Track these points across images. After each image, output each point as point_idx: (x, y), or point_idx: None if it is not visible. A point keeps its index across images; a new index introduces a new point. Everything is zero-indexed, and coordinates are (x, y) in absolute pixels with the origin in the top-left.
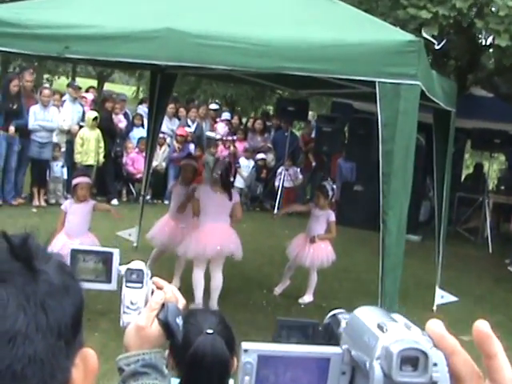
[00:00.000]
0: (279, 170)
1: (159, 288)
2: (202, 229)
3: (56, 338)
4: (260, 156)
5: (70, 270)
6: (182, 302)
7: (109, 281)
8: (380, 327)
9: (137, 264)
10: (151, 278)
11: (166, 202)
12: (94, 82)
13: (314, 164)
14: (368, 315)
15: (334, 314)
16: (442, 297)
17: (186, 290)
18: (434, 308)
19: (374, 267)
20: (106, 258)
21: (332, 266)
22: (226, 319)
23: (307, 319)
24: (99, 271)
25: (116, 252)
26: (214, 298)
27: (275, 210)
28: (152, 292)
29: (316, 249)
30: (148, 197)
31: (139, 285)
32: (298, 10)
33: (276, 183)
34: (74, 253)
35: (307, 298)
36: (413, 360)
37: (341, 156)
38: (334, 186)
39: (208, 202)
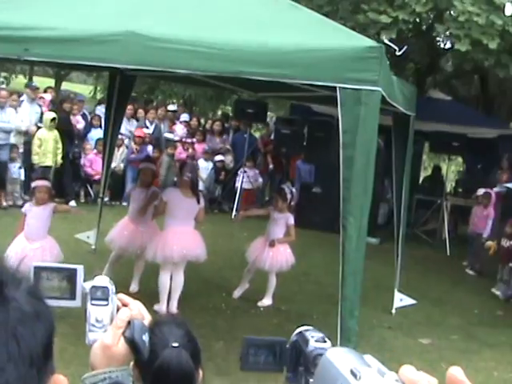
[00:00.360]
0: (238, 172)
1: (124, 305)
2: (169, 232)
3: (28, 367)
4: (219, 158)
5: (41, 295)
6: (147, 319)
7: (73, 298)
8: (353, 374)
9: (101, 281)
10: (116, 294)
11: (125, 203)
12: (52, 81)
13: (271, 166)
14: (341, 359)
15: (301, 332)
16: (400, 300)
17: (147, 293)
18: (393, 311)
19: (334, 270)
20: (70, 275)
21: (291, 269)
22: (191, 331)
23: (274, 337)
24: (63, 288)
25: (80, 268)
26: (174, 298)
27: (234, 212)
28: (117, 309)
29: (275, 252)
30: (106, 198)
31: (104, 302)
32: (260, 14)
33: (236, 185)
34: (38, 270)
35: (266, 301)
36: None
37: (300, 158)
38: (293, 189)
39: (177, 205)
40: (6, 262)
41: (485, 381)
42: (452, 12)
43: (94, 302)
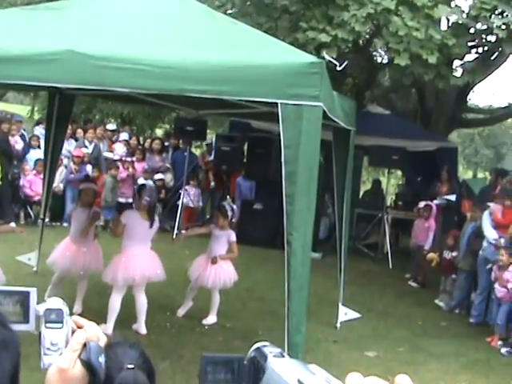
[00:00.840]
0: (179, 190)
1: (79, 327)
2: (129, 254)
3: None
4: (158, 176)
5: (6, 321)
6: (103, 340)
7: (27, 321)
8: (301, 383)
9: (55, 303)
10: (70, 316)
11: (65, 224)
12: None
13: (212, 184)
14: (287, 370)
15: (258, 348)
16: (345, 314)
17: (91, 313)
18: (338, 325)
19: (278, 286)
20: (23, 298)
21: (235, 286)
22: (144, 352)
23: (232, 354)
24: (17, 313)
25: (33, 291)
26: (141, 320)
27: (175, 231)
28: (72, 331)
29: (217, 269)
30: (47, 219)
31: (59, 325)
32: (200, 31)
33: (176, 203)
34: None
35: (211, 318)
36: None
37: (240, 175)
38: (234, 206)
39: (136, 228)
40: None
41: None
42: (390, 28)
43: (48, 324)
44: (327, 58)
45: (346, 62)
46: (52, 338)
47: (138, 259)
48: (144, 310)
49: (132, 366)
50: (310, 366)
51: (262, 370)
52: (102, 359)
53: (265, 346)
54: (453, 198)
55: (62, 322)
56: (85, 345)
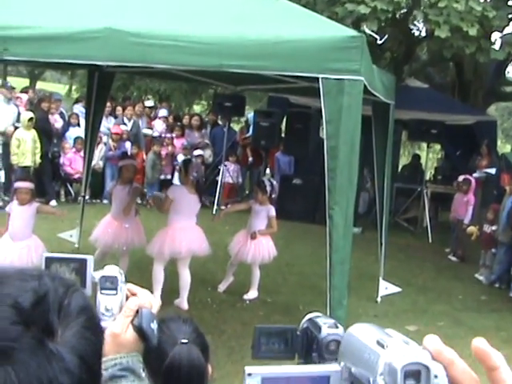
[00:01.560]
0: (218, 166)
1: (133, 294)
2: (176, 228)
3: None
4: (197, 152)
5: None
6: (156, 307)
7: (83, 287)
8: (380, 344)
9: (111, 270)
10: (125, 283)
11: (105, 201)
12: (26, 81)
13: (250, 159)
14: (364, 333)
15: (311, 318)
16: (385, 288)
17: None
18: (378, 299)
19: (317, 260)
20: (81, 265)
21: (275, 261)
22: (198, 327)
23: (285, 325)
24: (74, 278)
25: (90, 259)
26: (183, 295)
27: (215, 207)
28: (126, 298)
29: (257, 244)
30: (87, 197)
31: (114, 291)
32: (239, 6)
33: (216, 179)
34: (49, 261)
35: (252, 294)
36: (415, 374)
37: (279, 150)
38: (274, 182)
39: (183, 202)
40: (51, 294)
41: (472, 366)
42: None
43: (103, 291)
44: (367, 31)
45: (386, 36)
46: (106, 304)
47: (185, 233)
48: (187, 286)
49: (186, 341)
50: (387, 330)
51: (315, 340)
52: (154, 325)
53: (318, 316)
54: (492, 171)
55: (116, 289)
56: (137, 311)
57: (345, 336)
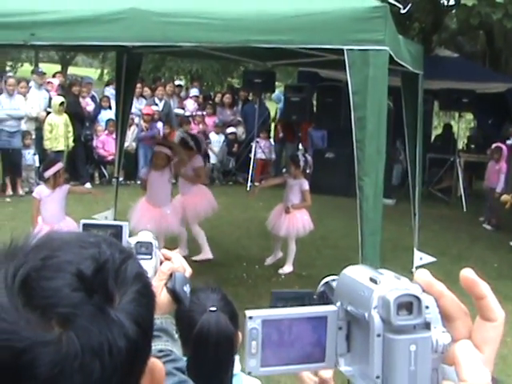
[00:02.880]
0: (251, 143)
1: (167, 259)
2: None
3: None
4: (230, 130)
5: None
6: (188, 271)
7: None
8: (373, 280)
9: (145, 236)
10: (160, 249)
11: (139, 182)
12: (58, 67)
13: (281, 135)
14: (358, 272)
15: (327, 282)
16: (420, 258)
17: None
18: (414, 269)
19: (351, 233)
20: (117, 232)
21: (309, 235)
22: (227, 295)
23: (301, 289)
24: None
25: (125, 225)
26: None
27: (249, 183)
28: (160, 262)
29: (291, 218)
30: (120, 178)
31: (148, 256)
32: None
33: (249, 156)
34: (86, 227)
35: (287, 268)
36: (407, 305)
37: (311, 125)
38: (309, 157)
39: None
40: (110, 263)
41: (509, 333)
42: None
43: (138, 256)
44: (391, 1)
45: (409, 5)
46: None
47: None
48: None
49: (214, 309)
50: (380, 270)
51: (331, 304)
52: (186, 288)
53: (334, 280)
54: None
55: (151, 254)
56: (171, 275)
57: (339, 277)
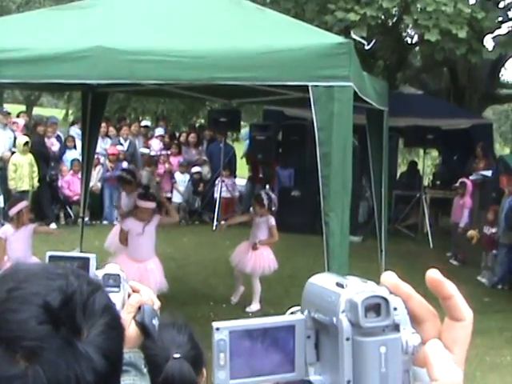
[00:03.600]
0: (216, 182)
1: (135, 291)
2: None
3: None
4: (195, 169)
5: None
6: (157, 304)
7: None
8: (339, 285)
9: (113, 268)
10: (127, 281)
11: (105, 222)
12: (23, 107)
13: (249, 174)
14: (324, 279)
15: (292, 313)
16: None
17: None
18: None
19: (319, 271)
20: (84, 264)
21: (276, 273)
22: (193, 335)
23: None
24: None
25: (92, 257)
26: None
27: (215, 222)
28: (128, 295)
29: (258, 256)
30: (86, 218)
31: (117, 289)
32: (227, 19)
33: (214, 195)
34: (52, 259)
35: (254, 306)
36: (375, 307)
37: (277, 163)
38: (273, 195)
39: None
40: (78, 294)
41: (478, 367)
42: (419, 4)
43: (106, 288)
44: (355, 37)
45: (374, 41)
46: None
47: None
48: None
49: (178, 356)
50: (347, 276)
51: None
52: (155, 321)
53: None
54: (489, 173)
55: (119, 287)
56: (140, 308)
57: (306, 286)
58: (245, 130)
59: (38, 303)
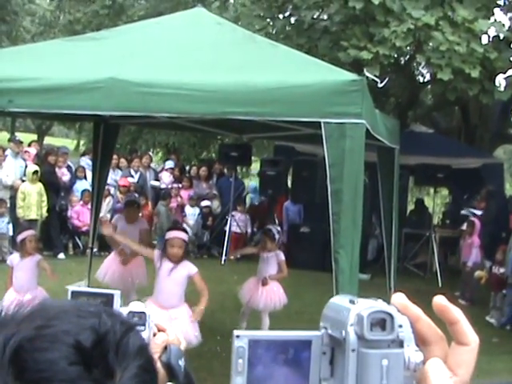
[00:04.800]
0: (226, 217)
1: (161, 330)
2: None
3: None
4: (205, 203)
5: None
6: (183, 344)
7: None
8: (351, 302)
9: (138, 306)
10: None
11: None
12: (34, 136)
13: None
14: (341, 299)
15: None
16: None
17: None
18: None
19: None
20: (107, 300)
21: (284, 309)
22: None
23: None
24: None
25: (117, 294)
26: None
27: (223, 257)
28: (154, 334)
29: (269, 291)
30: (95, 249)
31: (142, 327)
32: (240, 54)
33: (224, 229)
34: (75, 295)
35: None
36: (381, 322)
37: (286, 199)
38: (279, 229)
39: None
40: (111, 333)
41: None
42: (431, 43)
43: None
44: (368, 75)
45: (387, 79)
46: None
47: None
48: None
49: None
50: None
51: None
52: (181, 362)
53: None
54: (479, 212)
55: (144, 325)
56: (165, 347)
57: (326, 305)
58: (254, 184)
59: (69, 342)
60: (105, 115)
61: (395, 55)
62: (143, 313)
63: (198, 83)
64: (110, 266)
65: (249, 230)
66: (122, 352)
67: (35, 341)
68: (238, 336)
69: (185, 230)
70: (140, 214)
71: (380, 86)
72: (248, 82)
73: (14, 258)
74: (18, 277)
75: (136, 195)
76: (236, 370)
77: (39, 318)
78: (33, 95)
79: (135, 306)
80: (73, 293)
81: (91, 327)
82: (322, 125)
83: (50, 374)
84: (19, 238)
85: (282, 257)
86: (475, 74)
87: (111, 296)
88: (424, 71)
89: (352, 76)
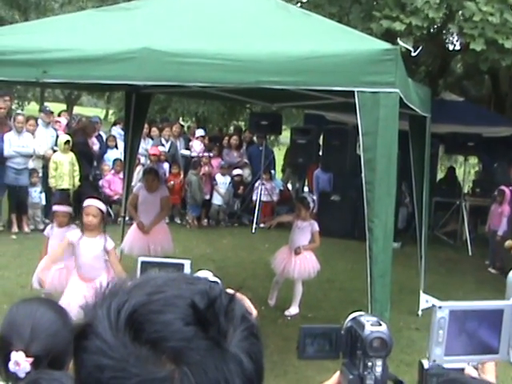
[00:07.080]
0: (256, 185)
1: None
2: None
3: None
4: (236, 172)
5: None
6: (254, 313)
7: None
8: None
9: (206, 275)
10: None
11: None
12: (63, 106)
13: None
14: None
15: (355, 317)
16: (426, 301)
17: None
18: (420, 313)
19: (357, 276)
20: (178, 270)
21: (315, 277)
22: None
23: (329, 324)
24: None
25: (187, 263)
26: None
27: (254, 225)
28: None
29: (302, 260)
30: (127, 218)
31: None
32: (273, 23)
33: (253, 198)
34: (145, 265)
35: (293, 309)
36: None
37: (317, 167)
38: (314, 198)
39: None
40: (221, 295)
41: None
42: (464, 13)
43: None
44: (402, 44)
45: (420, 48)
46: None
47: None
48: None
49: None
50: None
51: (359, 339)
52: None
53: (361, 315)
54: None
55: None
56: None
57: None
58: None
59: (184, 304)
60: (137, 85)
61: (428, 25)
62: (216, 282)
63: (232, 53)
64: (133, 236)
65: (275, 198)
66: (230, 316)
67: (149, 305)
68: (440, 307)
69: (101, 200)
70: (163, 183)
71: (414, 54)
72: (282, 51)
73: (50, 228)
74: (52, 246)
75: (166, 166)
76: (436, 340)
77: (148, 286)
78: (67, 66)
79: (203, 275)
80: (142, 263)
81: (202, 292)
82: (356, 94)
83: (167, 334)
84: (52, 209)
85: (317, 227)
86: (508, 44)
87: (181, 266)
88: (455, 39)
89: (386, 45)
